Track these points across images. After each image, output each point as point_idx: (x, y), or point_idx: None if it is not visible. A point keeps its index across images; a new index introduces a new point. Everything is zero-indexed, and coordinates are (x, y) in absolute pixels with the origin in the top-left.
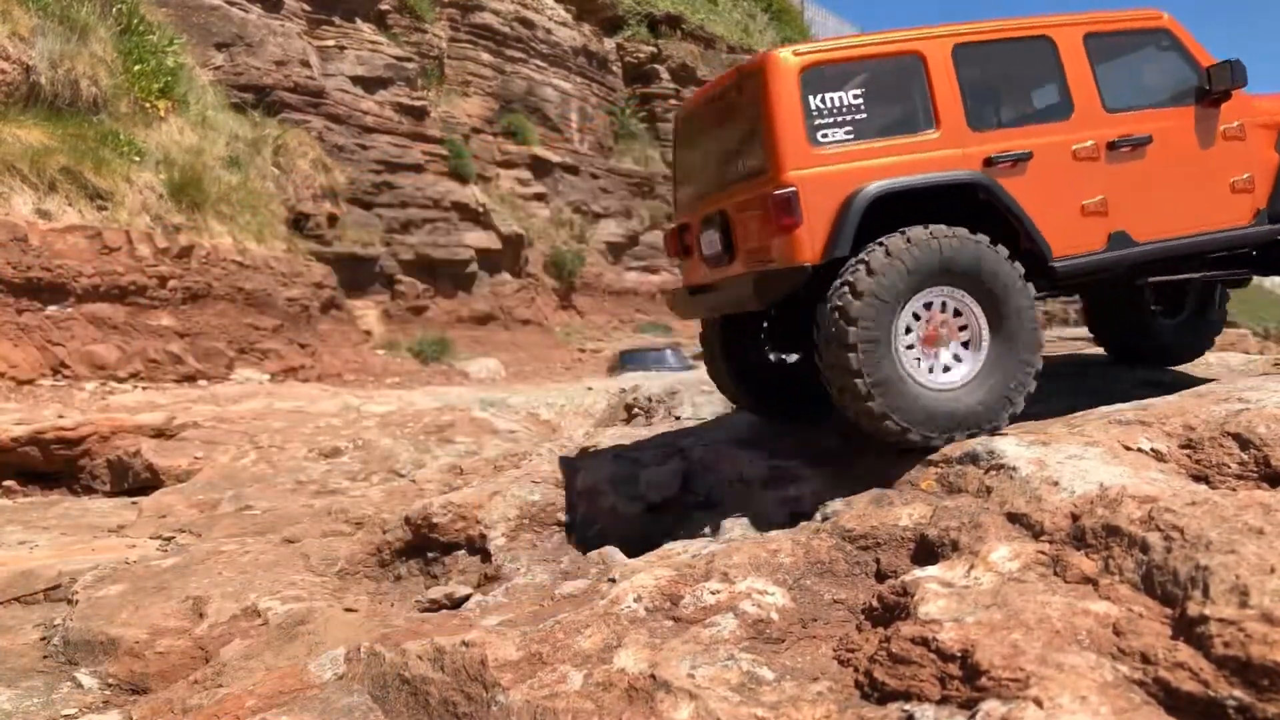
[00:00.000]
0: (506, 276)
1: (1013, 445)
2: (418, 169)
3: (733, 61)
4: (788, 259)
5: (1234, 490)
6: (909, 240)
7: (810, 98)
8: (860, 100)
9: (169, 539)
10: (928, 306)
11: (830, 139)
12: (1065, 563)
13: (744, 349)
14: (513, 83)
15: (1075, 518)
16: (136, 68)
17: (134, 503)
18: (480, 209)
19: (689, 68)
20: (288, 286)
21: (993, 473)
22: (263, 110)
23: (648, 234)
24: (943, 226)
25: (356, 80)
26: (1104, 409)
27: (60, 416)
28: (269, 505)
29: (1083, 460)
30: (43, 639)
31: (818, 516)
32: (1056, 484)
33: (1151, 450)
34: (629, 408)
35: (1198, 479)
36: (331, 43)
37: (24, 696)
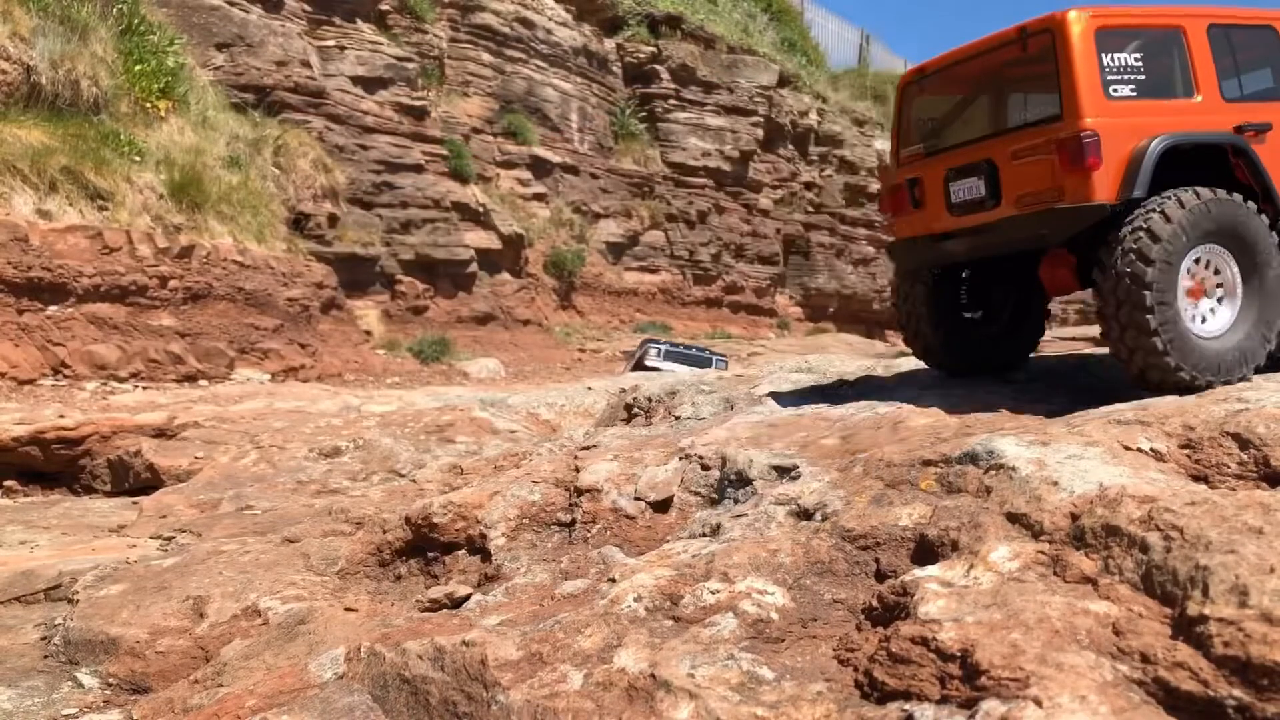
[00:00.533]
0: (506, 276)
1: (1012, 445)
2: (418, 169)
3: (733, 62)
4: (1085, 197)
5: (1233, 490)
6: (1198, 196)
7: (1102, 54)
8: (1139, 62)
9: (169, 539)
10: (1195, 261)
11: (1118, 94)
12: (1065, 562)
13: (945, 306)
14: (513, 83)
15: (1075, 518)
16: (137, 68)
17: (134, 502)
18: (480, 209)
19: (689, 68)
20: (288, 286)
21: (992, 472)
22: (263, 110)
23: (648, 234)
24: (1206, 189)
25: (357, 80)
26: (1104, 409)
27: (61, 416)
28: (269, 505)
29: (1082, 460)
30: (43, 639)
31: (817, 516)
32: (1056, 484)
33: (1151, 450)
34: (629, 408)
35: (1197, 479)
36: (332, 43)
37: (24, 696)
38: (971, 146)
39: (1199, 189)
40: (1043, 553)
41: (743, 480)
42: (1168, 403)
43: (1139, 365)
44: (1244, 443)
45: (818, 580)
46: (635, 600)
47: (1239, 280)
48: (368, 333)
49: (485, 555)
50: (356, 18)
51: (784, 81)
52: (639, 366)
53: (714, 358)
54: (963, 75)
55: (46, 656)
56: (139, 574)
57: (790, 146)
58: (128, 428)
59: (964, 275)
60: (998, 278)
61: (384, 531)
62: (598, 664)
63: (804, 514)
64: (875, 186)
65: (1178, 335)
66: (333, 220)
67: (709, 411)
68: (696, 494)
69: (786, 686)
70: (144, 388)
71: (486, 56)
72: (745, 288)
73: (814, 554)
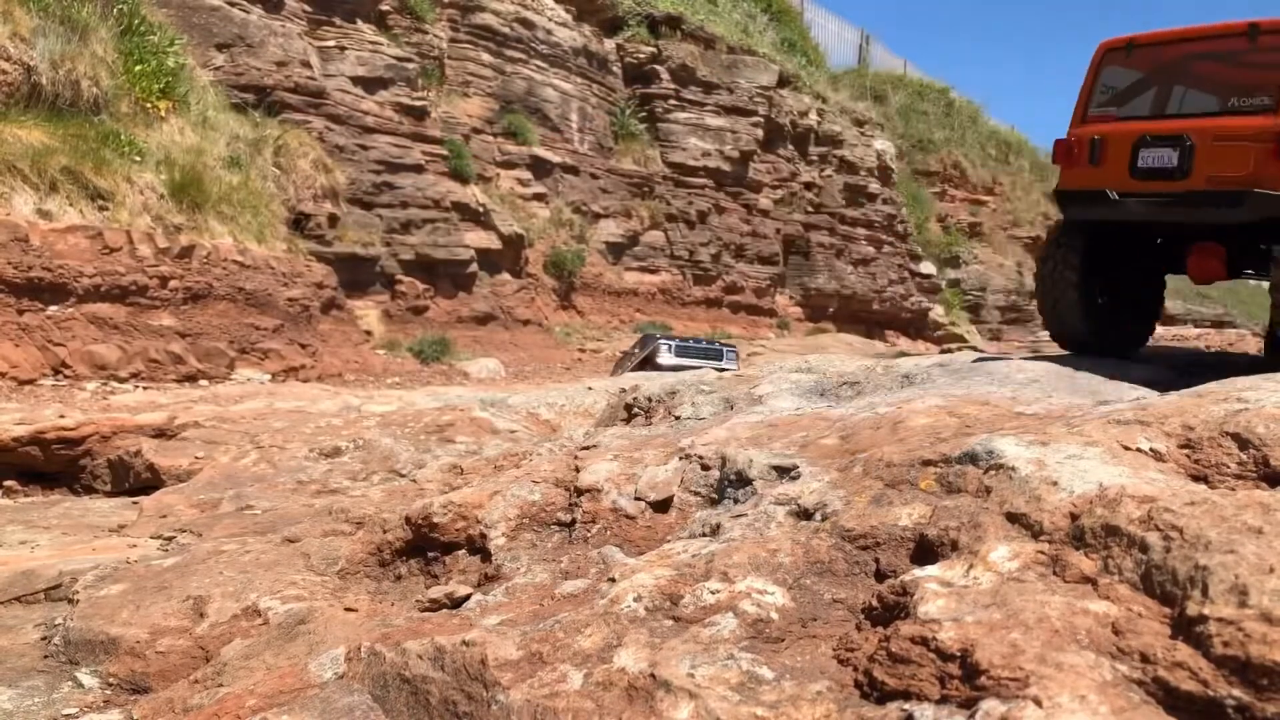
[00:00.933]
0: (506, 276)
1: (1012, 445)
2: (418, 169)
3: (733, 62)
4: None
5: (1233, 490)
6: None
7: None
8: None
9: (170, 539)
10: None
11: None
12: (1064, 562)
13: (1089, 288)
14: (513, 83)
15: (1074, 517)
16: (137, 68)
17: (135, 502)
18: (480, 209)
19: (689, 68)
20: (288, 286)
21: (992, 472)
22: (263, 110)
23: (648, 234)
24: None
25: (357, 80)
26: (1103, 409)
27: (61, 416)
28: (270, 505)
29: (1082, 460)
30: (43, 639)
31: (817, 516)
32: (1056, 484)
33: (1150, 450)
34: (629, 408)
35: (1197, 479)
36: (332, 43)
37: (25, 696)
38: (1170, 120)
39: None
40: (1042, 552)
41: (743, 480)
42: (1167, 402)
43: None
44: (1243, 443)
45: (817, 580)
46: (635, 600)
47: None
48: (368, 333)
49: (485, 555)
50: (356, 18)
51: (784, 82)
52: (647, 365)
53: (724, 349)
54: (1172, 54)
55: (46, 656)
56: (139, 574)
57: (790, 146)
58: (128, 428)
59: (1101, 262)
60: (1127, 267)
61: (384, 531)
62: (598, 664)
63: (804, 514)
64: (875, 186)
65: None
66: (333, 220)
67: (709, 411)
68: (696, 494)
69: (786, 686)
70: (144, 388)
71: (486, 57)
72: (745, 288)
73: (814, 554)
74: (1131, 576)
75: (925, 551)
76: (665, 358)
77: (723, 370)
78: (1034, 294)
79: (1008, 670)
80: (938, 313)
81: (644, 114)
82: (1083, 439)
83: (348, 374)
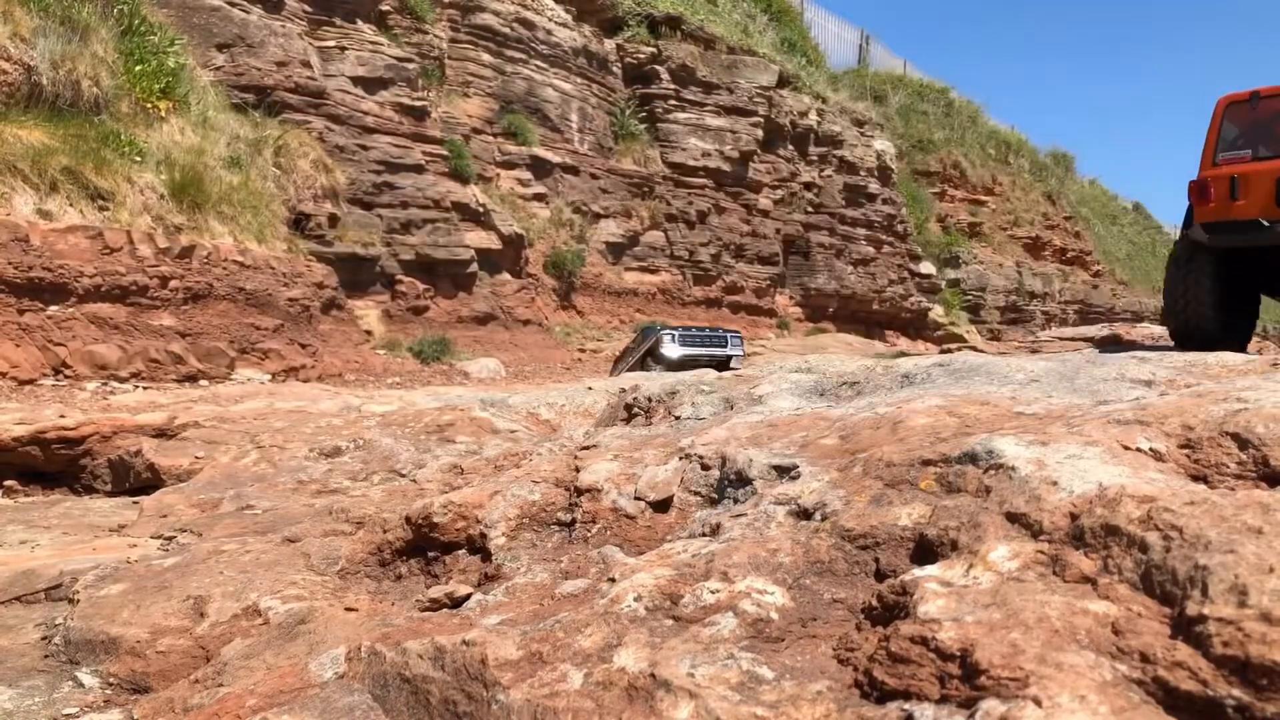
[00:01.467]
0: (506, 276)
1: (1011, 445)
2: (418, 169)
3: (733, 62)
4: None
5: (1233, 490)
6: None
7: None
8: None
9: (170, 538)
10: None
11: None
12: (1064, 562)
13: (1218, 294)
14: (513, 83)
15: (1074, 517)
16: (138, 68)
17: (135, 502)
18: (480, 209)
19: (689, 68)
20: (289, 286)
21: (991, 472)
22: (264, 111)
23: (648, 234)
24: None
25: (357, 81)
26: (1103, 408)
27: (61, 416)
28: (270, 505)
29: (1081, 460)
30: (44, 638)
31: (817, 516)
32: (1055, 484)
33: (1150, 450)
34: (629, 408)
35: (1196, 479)
36: (332, 43)
37: (25, 695)
38: None
39: None
40: (1042, 552)
41: (742, 480)
42: (1167, 402)
43: None
44: (1243, 443)
45: (817, 580)
46: (635, 600)
47: None
48: (368, 333)
49: (485, 555)
50: (357, 18)
51: (784, 82)
52: (649, 359)
53: (729, 335)
54: None
55: (47, 656)
56: (139, 574)
57: (790, 146)
58: (128, 428)
59: (1224, 277)
60: (1241, 283)
61: (384, 531)
62: (598, 663)
63: (804, 514)
64: (875, 186)
65: None
66: (333, 220)
67: (709, 411)
68: (696, 494)
69: (786, 686)
70: (144, 388)
71: (486, 57)
72: (745, 288)
73: (814, 553)
74: (1131, 576)
75: (925, 551)
76: (670, 348)
77: (730, 357)
78: (1163, 300)
79: (1008, 670)
80: (937, 313)
81: (644, 114)
82: (1083, 439)
83: (348, 374)
